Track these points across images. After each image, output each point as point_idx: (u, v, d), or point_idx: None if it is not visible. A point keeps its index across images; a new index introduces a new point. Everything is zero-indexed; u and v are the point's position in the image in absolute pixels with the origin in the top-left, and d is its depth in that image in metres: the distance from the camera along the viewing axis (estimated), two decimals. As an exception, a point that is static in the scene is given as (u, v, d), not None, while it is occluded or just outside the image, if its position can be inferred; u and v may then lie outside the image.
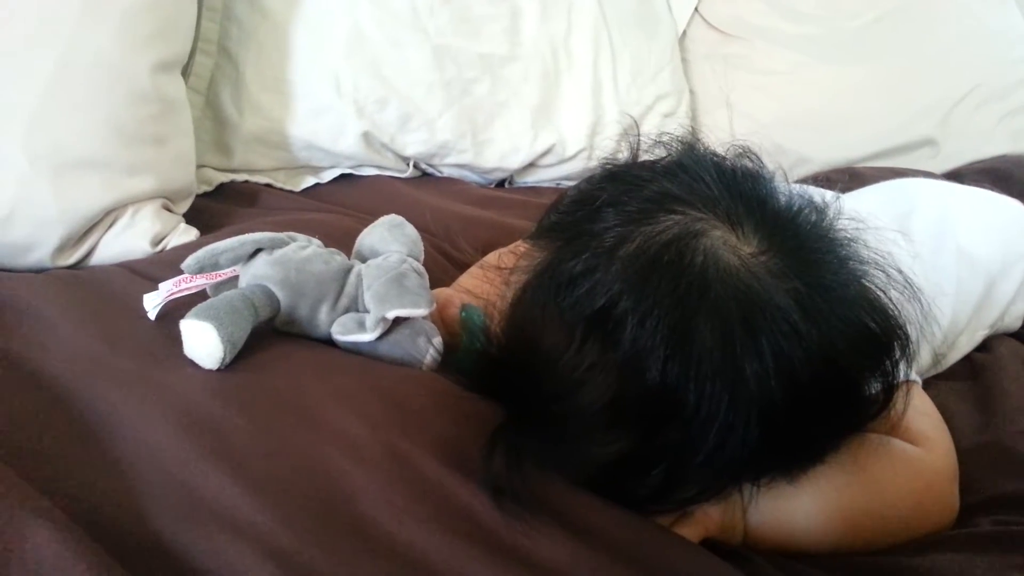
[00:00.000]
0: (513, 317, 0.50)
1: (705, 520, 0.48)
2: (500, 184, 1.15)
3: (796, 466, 0.50)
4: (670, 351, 0.43)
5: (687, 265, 0.44)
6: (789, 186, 0.52)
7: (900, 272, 0.50)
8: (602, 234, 0.46)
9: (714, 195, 0.47)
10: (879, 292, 0.49)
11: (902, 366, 0.54)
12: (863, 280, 0.48)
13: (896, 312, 0.49)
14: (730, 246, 0.45)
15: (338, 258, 0.61)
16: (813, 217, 0.49)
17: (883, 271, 0.50)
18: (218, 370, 0.53)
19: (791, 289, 0.44)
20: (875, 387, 0.50)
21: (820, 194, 0.53)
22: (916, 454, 0.54)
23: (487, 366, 0.48)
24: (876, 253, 0.50)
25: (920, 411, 0.57)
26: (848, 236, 0.50)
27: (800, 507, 0.51)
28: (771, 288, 0.44)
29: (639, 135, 0.56)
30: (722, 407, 0.43)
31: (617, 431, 0.44)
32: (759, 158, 0.53)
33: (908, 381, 0.58)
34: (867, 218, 0.66)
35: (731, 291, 0.44)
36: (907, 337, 0.50)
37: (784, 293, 0.44)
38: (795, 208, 0.49)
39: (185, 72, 0.94)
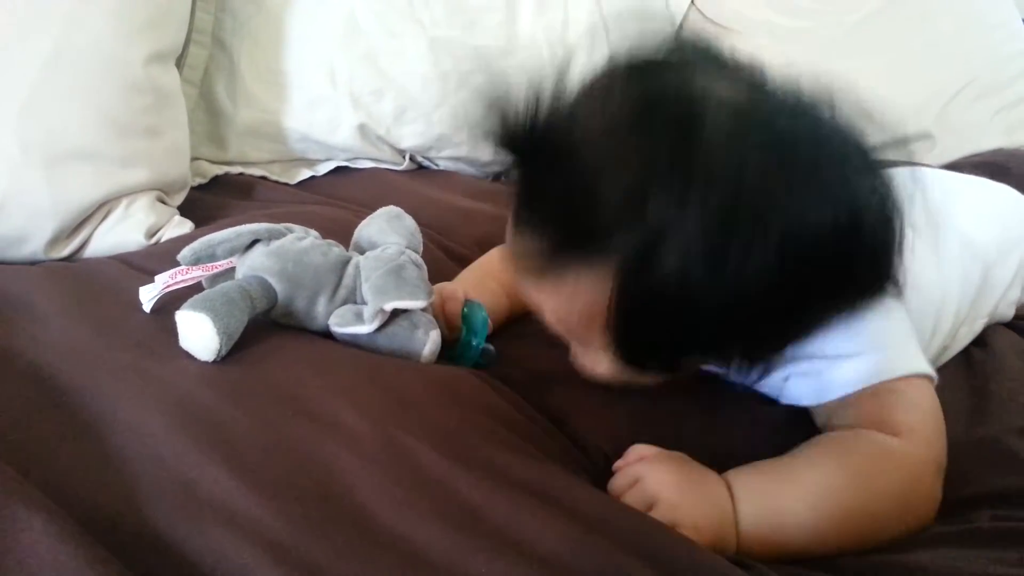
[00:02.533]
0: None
1: (695, 534, 0.48)
2: (496, 177, 1.15)
3: (787, 330, 0.52)
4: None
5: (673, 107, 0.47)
6: None
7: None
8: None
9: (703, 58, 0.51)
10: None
11: (907, 348, 0.56)
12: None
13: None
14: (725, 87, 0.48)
15: (336, 250, 0.61)
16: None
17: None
18: (214, 362, 0.53)
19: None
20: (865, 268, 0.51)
21: None
22: (895, 445, 0.53)
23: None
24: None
25: (911, 402, 0.56)
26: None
27: (791, 511, 0.51)
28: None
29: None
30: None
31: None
32: None
33: (922, 376, 0.57)
34: None
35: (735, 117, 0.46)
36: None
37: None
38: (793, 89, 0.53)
39: (179, 63, 0.94)
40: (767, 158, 0.46)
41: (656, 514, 0.49)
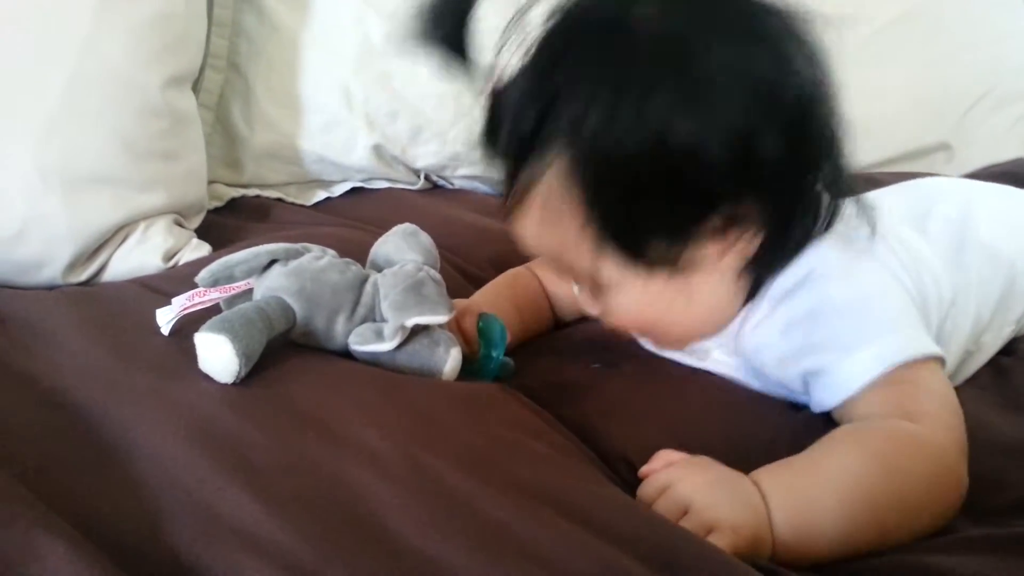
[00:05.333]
0: None
1: (734, 536, 0.47)
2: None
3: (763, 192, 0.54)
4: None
5: None
6: None
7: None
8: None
9: None
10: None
11: (916, 333, 0.58)
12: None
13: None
14: None
15: (354, 268, 0.60)
16: None
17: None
18: (234, 384, 0.52)
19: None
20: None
21: None
22: (917, 431, 0.52)
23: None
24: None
25: (927, 389, 0.55)
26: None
27: (823, 506, 0.49)
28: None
29: None
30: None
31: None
32: None
33: (932, 358, 0.57)
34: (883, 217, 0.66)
35: None
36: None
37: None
38: None
39: (195, 87, 0.94)
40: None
41: (691, 518, 0.48)
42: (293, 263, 0.59)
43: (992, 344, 0.73)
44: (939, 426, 0.53)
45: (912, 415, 0.53)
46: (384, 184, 1.06)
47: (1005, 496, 0.54)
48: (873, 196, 0.85)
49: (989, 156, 1.26)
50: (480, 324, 0.63)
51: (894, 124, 1.27)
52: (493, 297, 0.72)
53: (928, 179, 0.94)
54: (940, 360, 0.58)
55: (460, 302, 0.67)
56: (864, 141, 1.30)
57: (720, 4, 0.56)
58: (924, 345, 0.58)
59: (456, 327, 0.64)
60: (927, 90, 1.29)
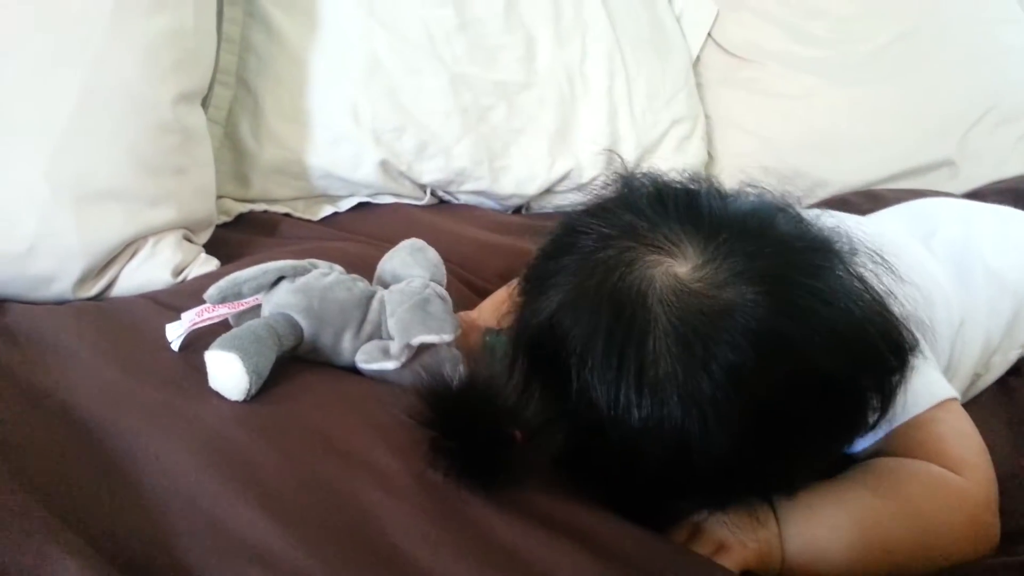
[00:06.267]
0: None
1: (743, 551, 0.47)
2: (517, 210, 1.15)
3: (788, 479, 0.50)
4: (613, 374, 0.45)
5: (626, 297, 0.47)
6: (763, 199, 0.52)
7: (894, 271, 0.50)
8: (548, 291, 0.50)
9: (648, 225, 0.49)
10: (873, 293, 0.49)
11: (927, 376, 0.53)
12: (847, 279, 0.48)
13: (894, 313, 0.49)
14: (665, 270, 0.47)
15: (360, 284, 0.61)
16: (780, 222, 0.50)
17: (878, 263, 0.50)
18: (244, 401, 0.53)
19: (742, 297, 0.45)
20: (872, 397, 0.50)
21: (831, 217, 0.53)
22: (957, 483, 0.52)
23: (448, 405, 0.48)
24: (873, 252, 0.50)
25: (960, 433, 0.56)
26: (827, 236, 0.50)
27: (838, 536, 0.50)
28: (718, 300, 0.45)
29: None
30: (674, 422, 0.44)
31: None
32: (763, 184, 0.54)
33: (949, 399, 0.57)
34: (894, 238, 0.66)
35: (672, 309, 0.45)
36: (909, 341, 0.50)
37: (734, 303, 0.45)
38: (753, 217, 0.50)
39: (204, 103, 0.95)
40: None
41: (702, 537, 0.48)
42: (300, 280, 0.59)
43: (1000, 365, 0.73)
44: (981, 479, 0.54)
45: (952, 463, 0.53)
46: (391, 199, 1.06)
47: (1014, 522, 0.54)
48: (880, 217, 0.85)
49: (993, 173, 1.26)
50: (486, 339, 0.63)
51: (897, 140, 1.27)
52: (499, 307, 0.72)
53: (929, 199, 0.94)
54: (957, 400, 0.58)
55: (466, 315, 0.68)
56: (867, 157, 1.31)
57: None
58: (945, 388, 0.58)
59: (463, 343, 0.64)
60: (930, 107, 1.29)
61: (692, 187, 0.52)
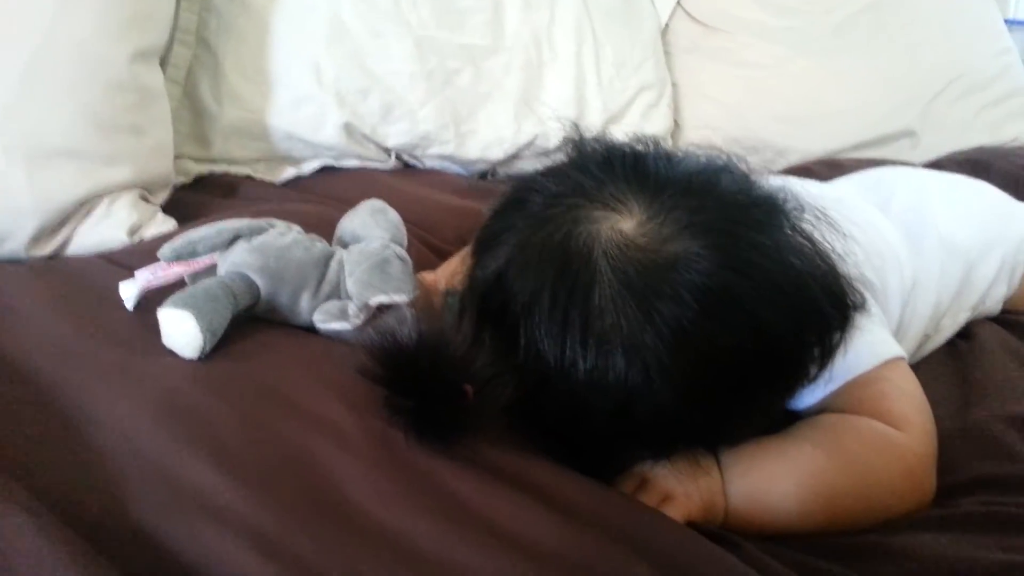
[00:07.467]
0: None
1: (688, 502, 0.49)
2: (483, 176, 1.15)
3: (731, 432, 0.52)
4: (559, 328, 0.46)
5: (572, 252, 0.47)
6: (709, 158, 0.53)
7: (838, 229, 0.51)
8: (497, 248, 0.51)
9: (596, 184, 0.50)
10: (817, 249, 0.49)
11: (875, 335, 0.54)
12: (792, 235, 0.49)
13: (838, 270, 0.50)
14: (611, 225, 0.48)
15: (319, 244, 0.60)
16: (724, 180, 0.50)
17: (821, 220, 0.51)
18: (199, 359, 0.52)
19: (686, 250, 0.46)
20: (813, 351, 0.51)
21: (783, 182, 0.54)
22: (897, 439, 0.54)
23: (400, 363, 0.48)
24: (817, 210, 0.51)
25: (903, 391, 0.57)
26: (772, 193, 0.51)
27: (779, 487, 0.51)
28: (662, 254, 0.46)
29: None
30: (619, 374, 0.45)
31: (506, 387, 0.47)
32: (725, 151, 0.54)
33: (895, 358, 0.58)
34: (850, 202, 0.66)
35: (617, 263, 0.46)
36: (853, 299, 0.51)
37: (678, 256, 0.46)
38: (699, 175, 0.51)
39: (163, 62, 0.93)
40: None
41: (649, 489, 0.49)
42: (257, 239, 0.58)
43: (949, 328, 0.75)
44: (921, 436, 0.55)
45: (893, 419, 0.55)
46: (355, 163, 1.05)
47: (952, 476, 0.56)
48: (838, 184, 0.87)
49: (954, 143, 1.28)
50: (447, 300, 0.63)
51: (861, 110, 1.28)
52: (459, 267, 0.72)
53: (887, 168, 0.96)
54: (904, 359, 0.60)
55: (427, 276, 0.68)
56: (831, 127, 1.33)
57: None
58: (893, 348, 0.60)
59: (423, 304, 0.64)
60: (895, 77, 1.31)
61: (639, 149, 0.53)
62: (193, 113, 0.99)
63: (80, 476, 0.44)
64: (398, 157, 1.08)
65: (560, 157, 0.57)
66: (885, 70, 1.31)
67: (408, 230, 0.67)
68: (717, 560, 0.43)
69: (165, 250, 0.58)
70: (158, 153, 0.86)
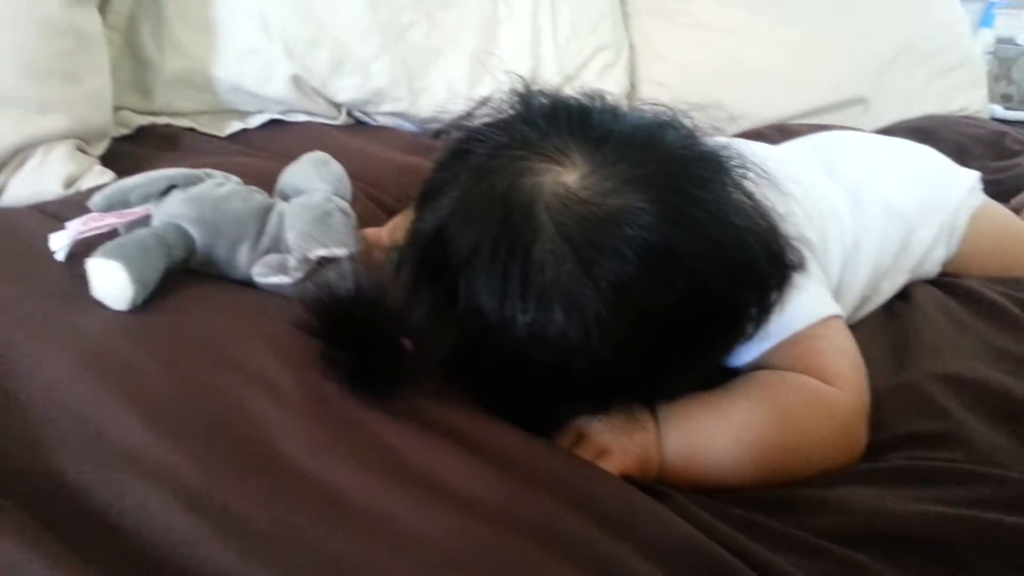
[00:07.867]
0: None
1: (624, 456, 0.49)
2: (436, 134, 1.13)
3: (668, 387, 0.52)
4: (499, 282, 0.46)
5: (514, 205, 0.47)
6: (654, 114, 0.53)
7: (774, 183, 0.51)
8: (439, 200, 0.50)
9: (540, 136, 0.50)
10: (758, 207, 0.50)
11: (813, 293, 0.54)
12: (733, 192, 0.49)
13: (778, 229, 0.50)
14: (554, 178, 0.47)
15: (258, 196, 0.59)
16: (668, 136, 0.50)
17: (764, 180, 0.51)
18: (129, 311, 0.51)
19: (628, 205, 0.46)
20: (751, 308, 0.51)
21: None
22: (830, 394, 0.55)
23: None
24: (758, 167, 0.51)
25: (838, 349, 0.58)
26: (714, 150, 0.51)
27: (713, 441, 0.52)
28: (603, 207, 0.46)
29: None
30: (558, 328, 0.45)
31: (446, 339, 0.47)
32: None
33: (832, 316, 0.59)
34: (796, 162, 0.67)
35: (558, 217, 0.46)
36: (792, 257, 0.51)
37: (620, 210, 0.46)
38: (642, 129, 0.50)
39: (102, 8, 0.89)
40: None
41: (585, 444, 0.49)
42: (193, 189, 0.57)
43: (888, 290, 0.77)
44: (852, 391, 0.56)
45: (828, 376, 0.56)
46: (303, 118, 1.03)
47: (884, 433, 0.58)
48: (785, 145, 0.87)
49: (904, 111, 1.30)
50: (392, 255, 0.62)
51: (815, 77, 1.29)
52: (406, 223, 0.72)
53: (835, 132, 0.97)
54: (841, 317, 0.61)
55: (372, 232, 0.67)
56: (785, 92, 1.33)
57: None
58: (830, 306, 0.61)
59: (366, 259, 0.63)
60: (848, 45, 1.31)
61: (585, 102, 0.52)
62: (134, 62, 0.96)
63: (2, 427, 0.43)
64: (349, 113, 1.06)
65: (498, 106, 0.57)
66: (839, 38, 1.32)
67: (357, 187, 0.65)
68: (649, 510, 0.44)
69: (97, 199, 0.56)
70: (95, 102, 0.83)
